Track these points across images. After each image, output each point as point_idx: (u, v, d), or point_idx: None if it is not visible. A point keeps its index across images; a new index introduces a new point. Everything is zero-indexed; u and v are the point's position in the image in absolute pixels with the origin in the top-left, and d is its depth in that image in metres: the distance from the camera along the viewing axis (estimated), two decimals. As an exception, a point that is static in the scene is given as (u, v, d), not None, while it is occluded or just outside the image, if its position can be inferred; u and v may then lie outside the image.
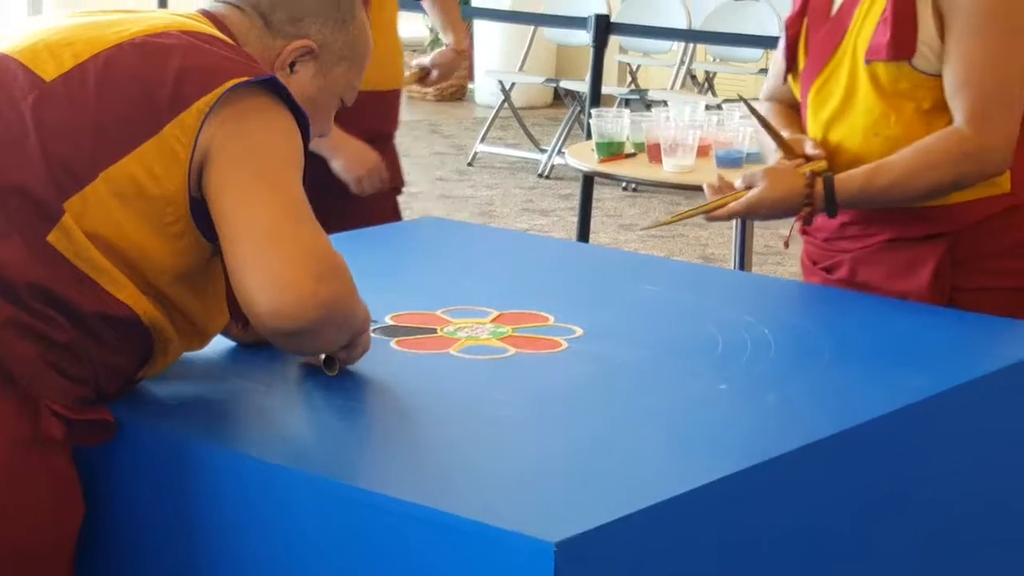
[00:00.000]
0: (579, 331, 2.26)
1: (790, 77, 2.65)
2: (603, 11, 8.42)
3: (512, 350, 2.17)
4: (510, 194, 7.70)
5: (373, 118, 3.45)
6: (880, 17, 2.45)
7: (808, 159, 2.50)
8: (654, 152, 3.90)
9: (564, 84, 8.61)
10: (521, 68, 9.05)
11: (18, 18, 8.97)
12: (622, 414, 1.94)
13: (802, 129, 2.63)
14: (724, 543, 1.73)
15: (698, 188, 2.92)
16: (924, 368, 2.15)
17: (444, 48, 3.79)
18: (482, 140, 8.59)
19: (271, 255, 1.78)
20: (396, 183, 3.62)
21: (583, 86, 7.66)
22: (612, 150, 3.99)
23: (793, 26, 2.63)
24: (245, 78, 1.84)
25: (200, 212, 1.84)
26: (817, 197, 2.46)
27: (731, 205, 2.50)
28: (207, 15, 2.01)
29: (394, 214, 3.62)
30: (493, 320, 2.31)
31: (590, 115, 4.08)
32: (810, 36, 2.60)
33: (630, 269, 2.75)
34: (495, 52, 9.98)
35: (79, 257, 1.80)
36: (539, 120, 9.49)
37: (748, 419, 1.94)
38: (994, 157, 2.42)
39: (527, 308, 2.36)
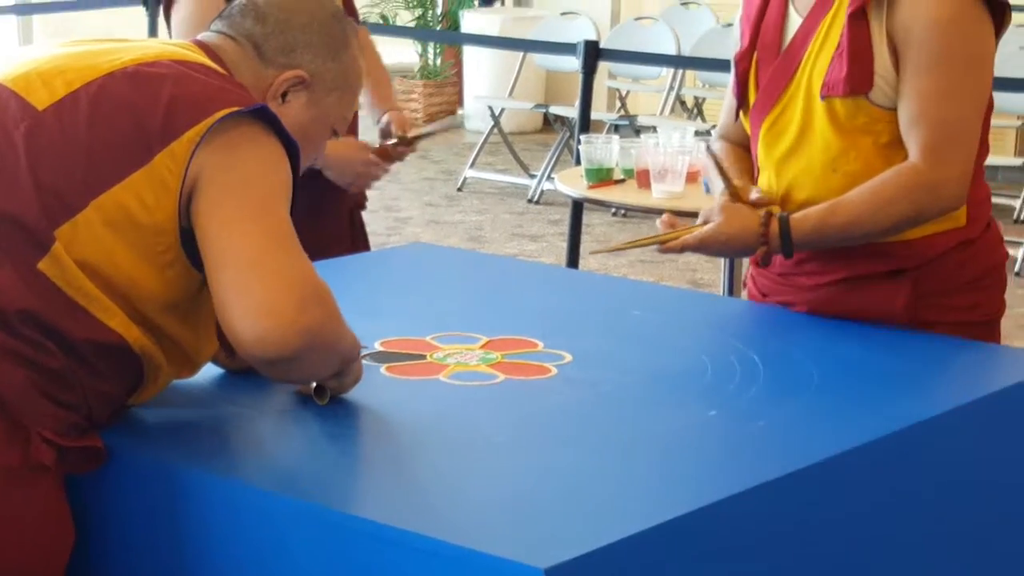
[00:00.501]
0: (568, 357, 2.26)
1: (741, 113, 2.60)
2: (592, 37, 8.45)
3: (501, 376, 2.17)
4: (499, 219, 7.71)
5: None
6: (835, 52, 2.40)
7: (753, 206, 2.46)
8: (643, 178, 3.91)
9: (553, 110, 8.63)
10: (511, 94, 9.06)
11: (9, 47, 8.98)
12: (611, 440, 1.94)
13: (752, 168, 2.60)
14: (713, 569, 1.73)
15: (688, 213, 2.87)
16: (913, 394, 2.16)
17: (384, 116, 3.44)
18: (472, 165, 8.60)
19: (254, 282, 1.78)
20: (361, 202, 3.44)
21: (573, 112, 7.67)
22: (601, 176, 4.00)
23: (742, 62, 2.57)
24: (236, 108, 1.85)
25: (190, 241, 1.84)
26: (772, 236, 2.41)
27: (685, 238, 2.45)
28: (200, 45, 2.02)
29: (356, 235, 3.43)
30: (482, 346, 2.31)
31: (579, 141, 4.09)
32: (760, 71, 2.54)
33: (619, 295, 2.76)
34: (485, 78, 9.99)
35: (69, 285, 1.80)
36: (529, 145, 9.50)
37: (737, 445, 1.94)
38: (950, 191, 2.37)
39: (516, 334, 2.37)
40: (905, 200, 2.36)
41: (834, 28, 2.41)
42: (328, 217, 3.32)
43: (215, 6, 3.06)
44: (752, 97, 2.55)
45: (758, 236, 2.41)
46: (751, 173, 2.60)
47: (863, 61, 2.37)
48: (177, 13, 3.18)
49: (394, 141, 3.21)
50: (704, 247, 2.45)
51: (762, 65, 2.54)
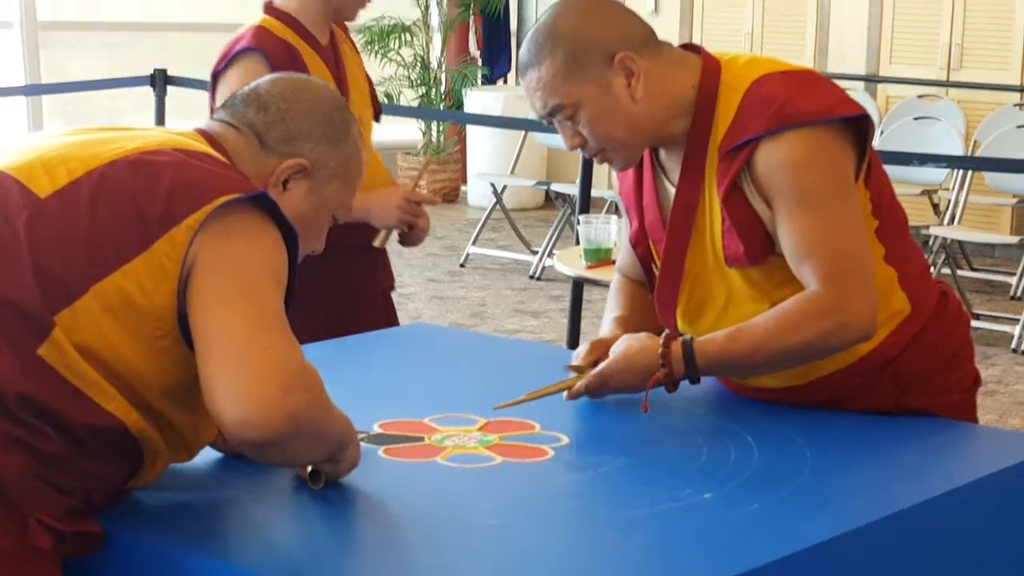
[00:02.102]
0: (565, 439, 2.26)
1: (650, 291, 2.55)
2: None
3: (499, 459, 2.17)
4: (501, 295, 7.72)
5: (359, 225, 3.35)
6: (723, 228, 2.35)
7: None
8: (641, 258, 3.92)
9: (555, 187, 8.66)
10: (513, 171, 9.10)
11: (18, 127, 9.05)
12: (607, 523, 1.94)
13: (648, 309, 2.56)
14: (708, 654, 1.72)
15: None
16: (908, 477, 2.15)
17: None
18: (474, 242, 8.63)
19: (241, 365, 1.78)
20: (388, 284, 3.63)
21: (573, 189, 7.71)
22: (600, 256, 4.02)
23: (639, 243, 2.53)
24: (235, 195, 1.86)
25: (188, 326, 1.85)
26: (674, 359, 2.33)
27: (582, 381, 2.41)
28: (202, 133, 2.04)
29: (389, 314, 3.63)
30: (480, 428, 2.31)
31: (579, 220, 4.11)
32: (658, 250, 2.49)
33: (616, 376, 2.75)
34: (487, 155, 10.05)
35: (69, 370, 1.81)
36: (530, 222, 9.54)
37: (733, 528, 1.93)
38: (860, 320, 2.29)
39: (514, 416, 2.37)
40: (810, 327, 2.29)
41: (714, 199, 2.37)
42: (363, 297, 3.47)
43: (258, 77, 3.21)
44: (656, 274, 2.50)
45: (657, 358, 2.34)
46: (646, 307, 2.58)
47: (753, 231, 2.33)
48: (224, 86, 3.31)
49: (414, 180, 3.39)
50: (605, 382, 2.39)
51: (657, 244, 2.49)
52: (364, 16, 9.85)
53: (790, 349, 2.31)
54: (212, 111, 3.36)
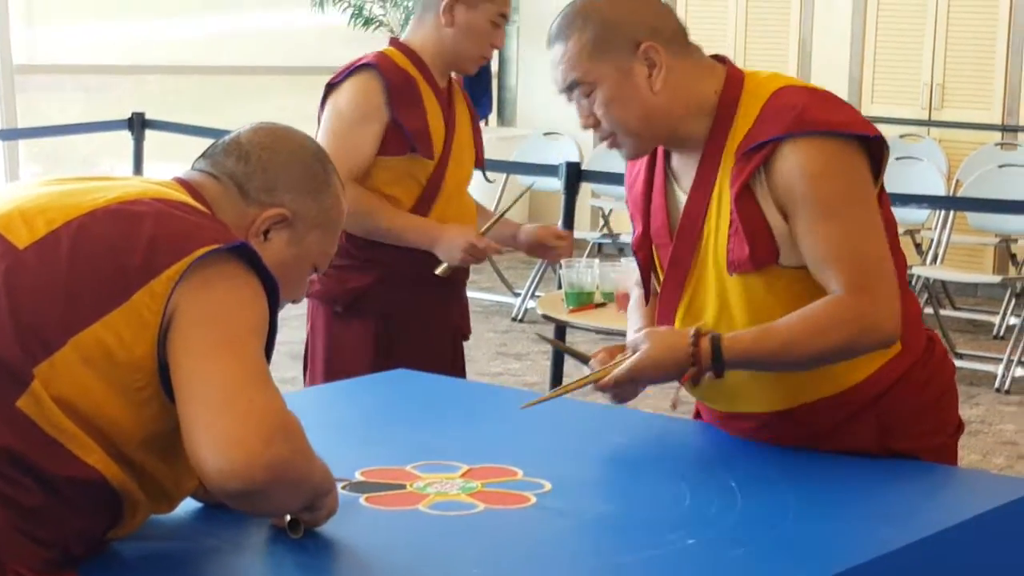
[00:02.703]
0: (548, 485, 2.27)
1: (651, 298, 2.61)
2: (574, 157, 8.53)
3: (481, 506, 2.18)
4: (484, 338, 7.72)
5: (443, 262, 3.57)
6: (730, 231, 2.39)
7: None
8: (623, 302, 3.94)
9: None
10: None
11: (-5, 182, 9.04)
12: (591, 571, 1.95)
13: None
14: None
15: None
16: (890, 520, 2.16)
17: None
18: (456, 284, 8.63)
19: (222, 415, 1.79)
20: (465, 330, 3.80)
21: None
22: (582, 300, 4.03)
23: (641, 250, 2.58)
24: (216, 245, 1.87)
25: (168, 377, 1.85)
26: (703, 355, 2.37)
27: (615, 372, 2.44)
28: (181, 182, 2.05)
29: (458, 359, 3.76)
30: (462, 475, 2.32)
31: (560, 264, 4.12)
32: (661, 256, 2.53)
33: (598, 421, 2.77)
34: (469, 196, 10.08)
35: (48, 422, 1.81)
36: (513, 264, 9.55)
37: (716, 574, 1.94)
38: (886, 326, 2.35)
39: (496, 462, 2.37)
40: (838, 331, 2.34)
41: (723, 204, 2.40)
42: (434, 338, 3.64)
43: (373, 97, 3.44)
44: (659, 282, 2.54)
45: (688, 356, 2.39)
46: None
47: (761, 236, 2.37)
48: (337, 96, 3.51)
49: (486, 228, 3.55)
50: (636, 375, 2.43)
51: (660, 250, 2.53)
52: (344, 57, 9.87)
53: (819, 350, 2.36)
54: (320, 121, 3.54)
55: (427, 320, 3.64)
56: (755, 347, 2.37)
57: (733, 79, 2.46)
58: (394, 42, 3.64)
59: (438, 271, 3.51)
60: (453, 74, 3.69)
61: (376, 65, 3.52)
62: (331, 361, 3.63)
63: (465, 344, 3.85)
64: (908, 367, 2.46)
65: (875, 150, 2.40)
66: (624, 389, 2.47)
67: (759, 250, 2.37)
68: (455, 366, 3.74)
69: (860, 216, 2.36)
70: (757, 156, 2.36)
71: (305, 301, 3.76)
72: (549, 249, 3.68)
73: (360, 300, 3.59)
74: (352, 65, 3.57)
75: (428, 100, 3.55)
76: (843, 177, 2.35)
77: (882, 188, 2.44)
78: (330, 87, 3.55)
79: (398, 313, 3.59)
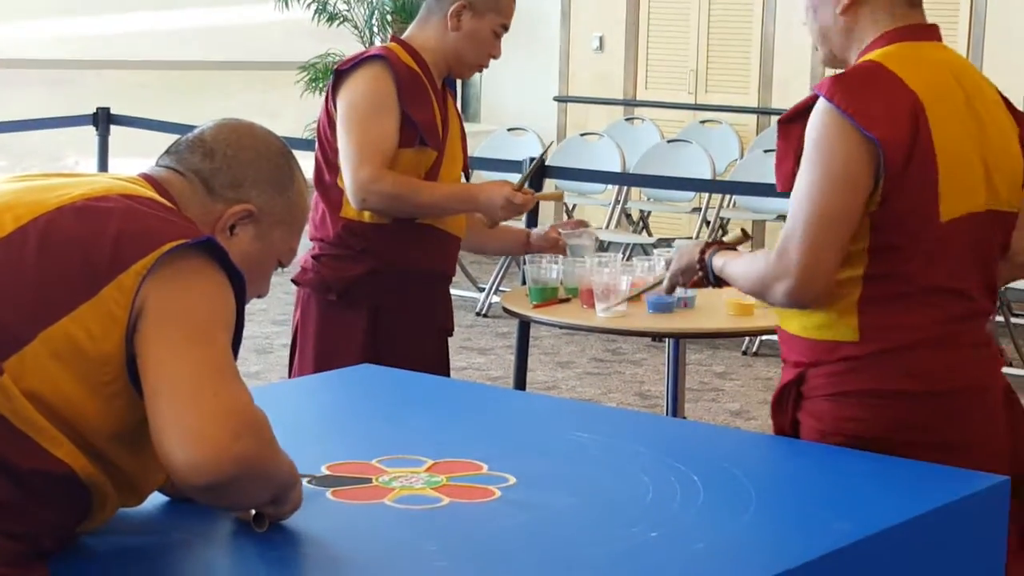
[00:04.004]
0: (512, 479, 2.28)
1: None
2: (538, 154, 8.55)
3: (446, 499, 2.19)
4: (448, 333, 7.75)
5: (437, 257, 3.73)
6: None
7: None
8: (587, 297, 3.96)
9: (502, 224, 8.70)
10: (459, 208, 9.13)
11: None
12: (554, 564, 1.96)
13: None
14: None
15: (634, 333, 3.85)
16: (849, 512, 2.19)
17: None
18: (420, 279, 8.64)
19: (190, 409, 1.80)
20: (449, 327, 3.87)
21: (520, 225, 7.74)
22: (546, 295, 4.04)
23: None
24: (183, 240, 1.88)
25: (136, 371, 1.86)
26: (704, 266, 2.83)
27: (666, 278, 2.99)
28: (147, 179, 2.05)
29: (443, 354, 3.84)
30: (428, 469, 2.33)
31: (524, 260, 4.14)
32: None
33: (563, 416, 2.79)
34: (433, 192, 10.07)
35: (17, 416, 1.82)
36: (477, 259, 9.56)
37: (678, 568, 1.97)
38: (787, 284, 2.53)
39: (461, 456, 2.39)
40: (756, 277, 2.63)
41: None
42: (421, 333, 3.73)
43: (386, 88, 3.50)
44: None
45: (695, 265, 2.86)
46: None
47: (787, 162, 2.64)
48: (349, 84, 3.55)
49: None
50: (672, 280, 2.96)
51: None
52: (308, 53, 9.89)
53: (747, 288, 2.72)
54: (328, 107, 3.60)
55: (415, 314, 3.71)
56: (724, 270, 2.78)
57: (873, 47, 2.62)
58: (396, 39, 3.70)
59: (488, 225, 3.76)
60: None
61: (386, 57, 3.57)
62: (321, 350, 3.67)
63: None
64: (847, 355, 2.56)
65: (886, 152, 2.49)
66: (672, 284, 2.99)
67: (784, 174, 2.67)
68: (440, 362, 3.81)
69: (813, 177, 2.52)
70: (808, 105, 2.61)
71: (293, 290, 3.82)
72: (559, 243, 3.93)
73: (353, 289, 3.65)
74: (360, 56, 3.62)
75: (427, 95, 3.62)
76: (820, 140, 2.52)
77: (921, 198, 2.52)
78: (340, 75, 3.60)
79: (388, 305, 3.66)
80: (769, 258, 2.57)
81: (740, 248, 2.93)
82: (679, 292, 3.76)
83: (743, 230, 3.11)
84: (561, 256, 4.08)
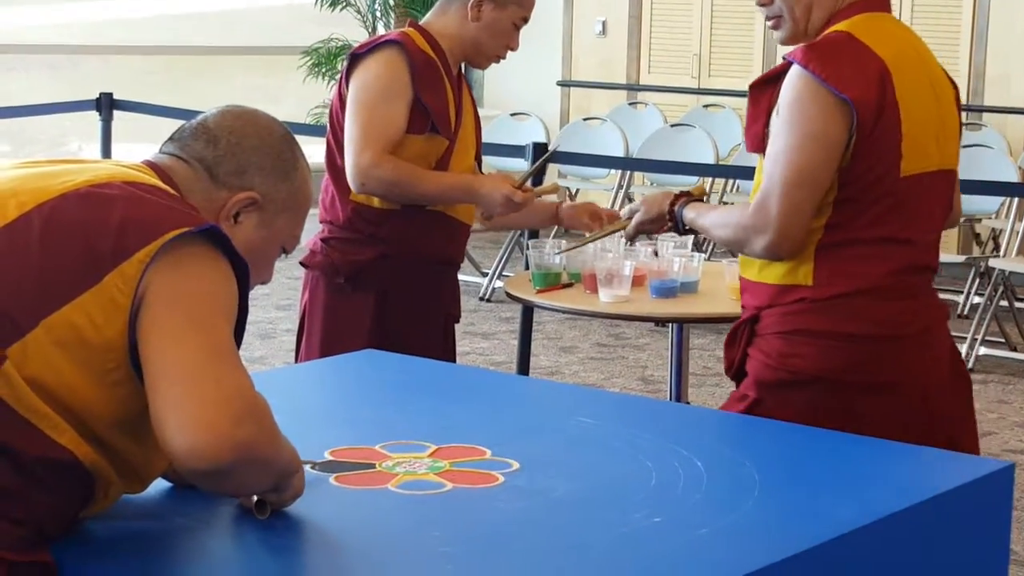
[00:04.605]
0: (515, 465, 2.28)
1: None
2: (542, 138, 8.53)
3: (449, 485, 2.19)
4: (452, 318, 7.75)
5: (446, 244, 3.75)
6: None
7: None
8: (590, 282, 3.96)
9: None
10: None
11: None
12: (557, 549, 1.96)
13: None
14: None
15: (636, 318, 3.89)
16: (851, 498, 2.19)
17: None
18: (424, 264, 8.63)
19: (191, 395, 1.80)
20: (456, 314, 3.88)
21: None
22: (549, 281, 4.04)
23: None
24: (186, 228, 1.88)
25: (139, 359, 1.86)
26: (674, 216, 2.97)
27: (630, 225, 3.12)
28: (151, 166, 2.05)
29: (449, 340, 3.84)
30: (431, 454, 2.33)
31: (528, 245, 4.13)
32: None
33: (566, 401, 2.79)
34: (437, 177, 10.06)
35: (20, 403, 1.82)
36: (480, 243, 9.56)
37: (681, 552, 1.96)
38: (763, 239, 2.70)
39: (464, 441, 2.39)
40: (734, 228, 2.77)
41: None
42: (428, 319, 3.74)
43: (400, 73, 3.50)
44: None
45: (664, 214, 3.01)
46: None
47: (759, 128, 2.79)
48: (363, 68, 3.55)
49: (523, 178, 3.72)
50: (638, 228, 3.10)
51: None
52: (311, 38, 9.88)
53: (723, 239, 2.86)
54: (341, 90, 3.60)
55: (422, 300, 3.71)
56: (697, 221, 2.92)
57: (838, 19, 2.77)
58: (414, 24, 3.68)
59: (479, 222, 3.73)
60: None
61: (401, 43, 3.56)
62: (328, 333, 3.68)
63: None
64: (801, 297, 2.73)
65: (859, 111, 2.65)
66: (637, 232, 3.13)
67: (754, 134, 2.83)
68: (446, 347, 3.81)
69: (790, 140, 2.67)
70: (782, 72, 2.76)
71: (297, 275, 3.83)
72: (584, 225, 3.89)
73: (362, 273, 3.66)
74: (376, 40, 3.62)
75: (442, 82, 3.61)
76: (805, 111, 2.67)
77: (885, 149, 2.69)
78: (355, 58, 3.59)
79: (396, 290, 3.66)
80: (746, 212, 2.72)
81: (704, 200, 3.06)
82: (678, 278, 3.79)
83: (701, 185, 3.26)
84: (563, 242, 4.08)
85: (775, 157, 2.68)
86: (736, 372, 2.85)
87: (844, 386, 2.71)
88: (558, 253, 3.62)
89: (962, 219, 8.01)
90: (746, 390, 2.81)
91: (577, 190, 9.31)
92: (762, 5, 2.86)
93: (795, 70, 2.68)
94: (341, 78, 3.65)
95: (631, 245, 3.57)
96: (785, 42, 2.85)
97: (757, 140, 2.76)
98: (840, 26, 2.75)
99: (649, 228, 3.10)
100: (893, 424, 2.66)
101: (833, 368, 2.72)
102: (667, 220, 2.99)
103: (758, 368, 2.78)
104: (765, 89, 2.76)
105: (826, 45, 2.71)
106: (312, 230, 3.40)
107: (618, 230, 3.20)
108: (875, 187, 2.70)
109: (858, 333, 2.71)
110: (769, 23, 2.88)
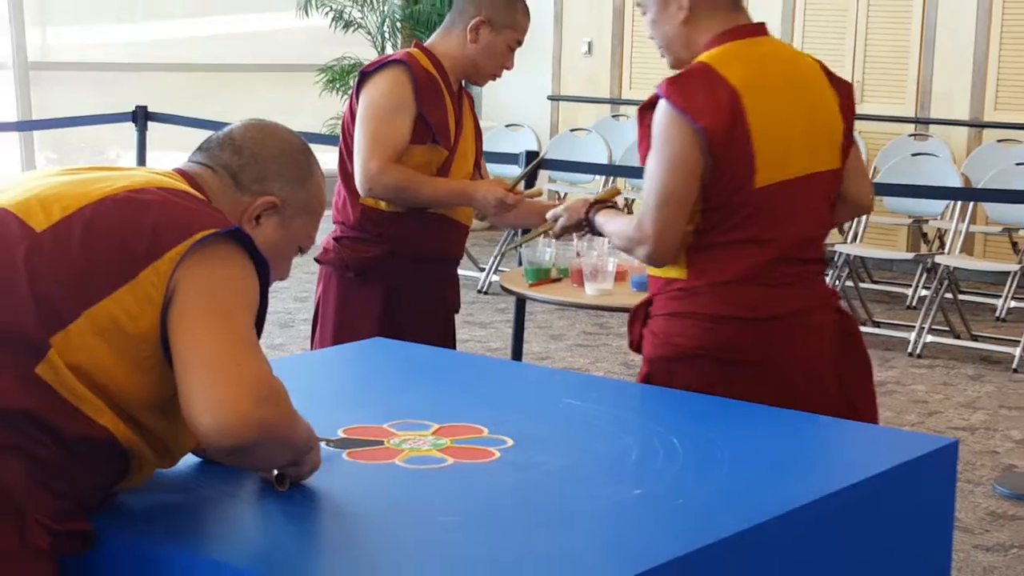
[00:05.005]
0: (510, 442, 2.28)
1: None
2: (533, 147, 8.53)
3: (450, 460, 2.19)
4: (453, 308, 7.74)
5: (446, 243, 3.73)
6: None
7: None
8: (577, 277, 3.96)
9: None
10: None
11: (11, 160, 8.97)
12: (550, 517, 1.96)
13: None
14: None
15: (619, 309, 3.56)
16: (811, 473, 2.19)
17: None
18: (428, 260, 8.61)
19: (216, 379, 1.79)
20: (456, 305, 3.86)
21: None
22: (540, 276, 4.04)
23: None
24: (213, 229, 1.87)
25: (169, 346, 1.85)
26: (590, 223, 3.06)
27: (556, 227, 3.19)
28: (181, 173, 2.05)
29: (449, 329, 3.82)
30: (434, 432, 2.32)
31: (521, 244, 4.13)
32: None
33: (555, 385, 2.79)
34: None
35: (64, 387, 1.81)
36: (478, 241, 9.55)
37: (659, 521, 1.96)
38: (643, 248, 2.79)
39: (464, 421, 2.38)
40: (624, 240, 2.87)
41: None
42: (431, 310, 3.73)
43: (404, 89, 3.50)
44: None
45: (581, 219, 3.10)
46: None
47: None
48: (371, 85, 3.55)
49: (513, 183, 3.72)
50: (562, 229, 3.18)
51: None
52: (326, 56, 9.85)
53: (619, 247, 2.94)
54: (352, 104, 3.61)
55: (425, 292, 3.70)
56: (604, 227, 3.01)
57: (706, 49, 2.80)
58: (418, 45, 3.67)
59: (478, 219, 3.73)
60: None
61: (406, 62, 3.56)
62: (340, 322, 3.67)
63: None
64: (677, 287, 2.81)
65: (709, 138, 2.71)
66: (562, 233, 3.21)
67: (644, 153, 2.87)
68: (446, 335, 3.80)
69: (655, 161, 2.75)
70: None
71: (314, 270, 3.82)
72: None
73: (370, 269, 3.65)
74: (383, 60, 3.62)
75: (444, 100, 3.60)
76: (660, 132, 2.74)
77: (742, 169, 2.74)
78: (364, 75, 3.59)
79: (401, 284, 3.66)
80: (631, 225, 2.81)
81: (617, 199, 3.16)
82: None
83: (615, 186, 3.34)
84: (554, 240, 4.07)
85: (648, 178, 2.76)
86: (637, 347, 2.94)
87: (722, 362, 2.76)
88: (512, 247, 3.70)
89: (911, 220, 8.02)
90: (643, 363, 2.89)
91: (566, 194, 9.29)
92: (652, 38, 2.90)
93: (661, 102, 2.74)
94: (352, 93, 3.64)
95: (558, 240, 3.70)
96: (672, 67, 2.89)
97: (643, 158, 2.80)
98: (703, 56, 2.78)
99: (571, 231, 3.19)
100: (772, 395, 2.71)
101: (710, 345, 2.77)
102: (584, 225, 3.09)
103: (649, 345, 2.86)
104: (647, 114, 2.78)
105: (684, 77, 2.75)
106: (326, 230, 3.39)
107: (549, 229, 3.27)
108: (733, 198, 2.74)
109: (726, 315, 2.77)
110: (659, 52, 2.92)
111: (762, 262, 2.77)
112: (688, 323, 2.79)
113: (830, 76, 2.91)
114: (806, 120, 2.81)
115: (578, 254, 4.05)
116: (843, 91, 2.90)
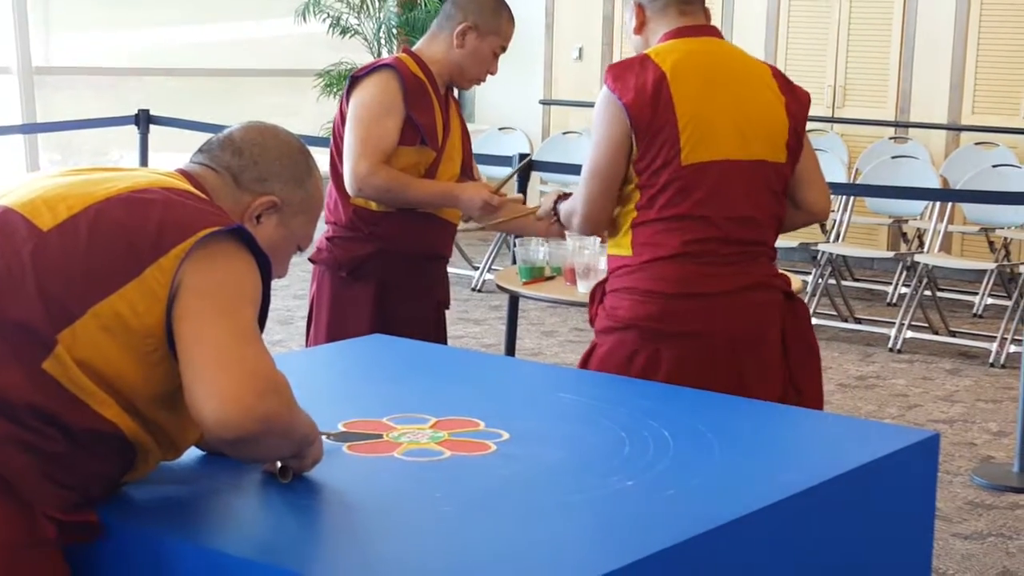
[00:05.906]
0: (506, 435, 2.27)
1: None
2: (525, 149, 8.52)
3: (448, 453, 2.18)
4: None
5: (435, 241, 3.73)
6: None
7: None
8: (569, 275, 3.95)
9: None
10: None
11: (15, 163, 8.95)
12: (545, 508, 1.95)
13: None
14: (631, 622, 1.73)
15: None
16: (797, 465, 2.18)
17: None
18: (423, 259, 8.60)
19: (220, 373, 1.78)
20: (446, 301, 3.84)
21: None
22: (534, 274, 4.04)
23: None
24: (216, 228, 1.86)
25: (174, 342, 1.84)
26: (556, 212, 3.21)
27: (539, 211, 3.37)
28: (184, 173, 2.04)
29: (440, 324, 3.80)
30: (432, 426, 2.32)
31: (514, 244, 4.12)
32: None
33: (550, 380, 2.78)
34: (433, 183, 10.03)
35: (71, 382, 1.80)
36: (472, 241, 9.55)
37: (651, 511, 1.95)
38: (576, 220, 2.99)
39: (461, 415, 2.38)
40: (565, 213, 3.07)
41: None
42: (422, 306, 3.72)
43: (393, 93, 3.50)
44: None
45: (551, 209, 3.26)
46: None
47: None
48: (361, 89, 3.56)
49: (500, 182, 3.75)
50: (539, 214, 3.37)
51: None
52: (323, 61, 9.83)
53: (564, 224, 3.15)
54: (343, 107, 3.61)
55: (416, 289, 3.70)
56: (561, 211, 3.12)
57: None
58: (407, 50, 3.68)
59: (462, 225, 3.74)
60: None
61: (395, 67, 3.57)
62: (334, 319, 3.67)
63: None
64: (623, 264, 2.94)
65: (632, 113, 2.86)
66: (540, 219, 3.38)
67: None
68: (438, 330, 3.79)
69: (592, 144, 2.90)
70: None
71: (309, 267, 3.81)
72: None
73: (362, 267, 3.65)
74: (374, 64, 3.62)
75: (431, 103, 3.60)
76: (600, 117, 2.91)
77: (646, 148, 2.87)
78: (354, 80, 3.60)
79: (393, 281, 3.65)
80: (570, 200, 3.01)
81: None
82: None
83: None
84: (548, 239, 4.06)
85: (586, 155, 2.93)
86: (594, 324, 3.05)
87: (652, 332, 2.87)
88: (461, 230, 3.78)
89: (891, 220, 8.03)
90: (593, 337, 3.01)
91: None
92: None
93: (603, 87, 2.91)
94: (343, 97, 3.64)
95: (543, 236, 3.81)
96: None
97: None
98: (647, 50, 2.96)
99: (547, 219, 3.34)
100: (696, 367, 2.82)
101: (641, 317, 2.89)
102: (553, 214, 3.24)
103: (598, 319, 2.99)
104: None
105: (621, 64, 2.91)
106: (320, 230, 3.38)
107: (528, 214, 3.43)
108: (661, 173, 2.85)
109: (657, 290, 2.87)
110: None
111: (695, 238, 2.86)
112: (624, 296, 2.92)
113: (782, 82, 3.00)
114: (734, 109, 2.90)
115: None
116: (794, 96, 2.99)
